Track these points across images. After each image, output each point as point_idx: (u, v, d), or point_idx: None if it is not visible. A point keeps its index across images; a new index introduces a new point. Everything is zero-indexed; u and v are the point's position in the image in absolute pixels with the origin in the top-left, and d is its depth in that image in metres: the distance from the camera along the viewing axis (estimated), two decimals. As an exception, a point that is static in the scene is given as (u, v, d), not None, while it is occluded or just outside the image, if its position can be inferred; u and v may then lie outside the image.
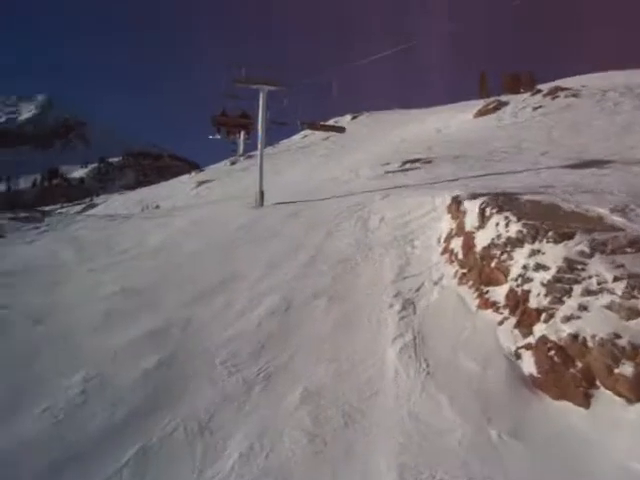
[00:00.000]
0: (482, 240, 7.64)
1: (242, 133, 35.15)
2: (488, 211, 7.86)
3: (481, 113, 29.60)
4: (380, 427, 5.40)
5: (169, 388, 6.53)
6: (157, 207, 33.01)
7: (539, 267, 6.26)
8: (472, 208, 8.52)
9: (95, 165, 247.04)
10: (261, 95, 17.18)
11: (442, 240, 9.33)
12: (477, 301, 7.15)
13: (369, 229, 11.31)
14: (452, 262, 8.41)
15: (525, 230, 6.87)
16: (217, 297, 9.00)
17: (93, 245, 13.22)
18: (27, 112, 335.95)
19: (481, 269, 7.34)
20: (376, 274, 9.05)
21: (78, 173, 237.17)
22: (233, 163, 48.64)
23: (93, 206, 68.01)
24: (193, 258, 11.31)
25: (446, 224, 9.66)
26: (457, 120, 31.33)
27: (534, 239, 6.66)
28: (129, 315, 8.53)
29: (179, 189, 43.96)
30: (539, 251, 6.45)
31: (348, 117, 57.19)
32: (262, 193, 16.64)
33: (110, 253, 12.27)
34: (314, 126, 19.73)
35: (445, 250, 8.90)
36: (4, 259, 11.84)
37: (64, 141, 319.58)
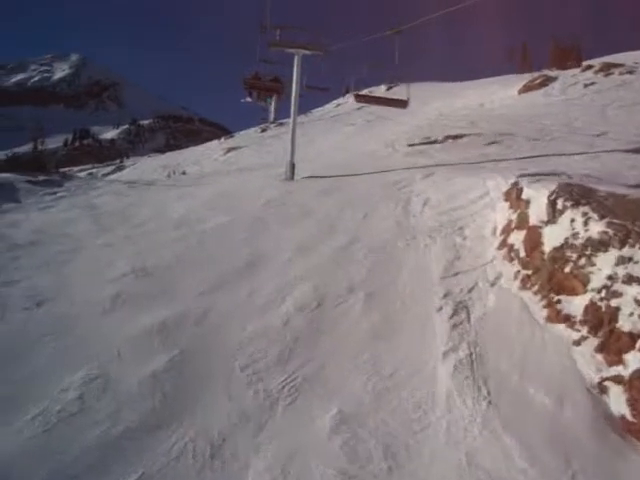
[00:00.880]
0: (552, 238, 6.47)
1: (273, 99, 34.09)
2: (560, 203, 6.66)
3: (527, 88, 27.85)
4: (432, 474, 4.37)
5: (179, 397, 5.59)
6: (184, 173, 32.06)
7: (632, 279, 5.11)
8: (538, 198, 7.31)
9: (126, 126, 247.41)
10: (296, 59, 15.92)
11: (498, 232, 8.16)
12: (545, 311, 6.03)
13: (411, 212, 10.16)
14: (512, 260, 7.25)
15: (611, 231, 5.69)
16: (240, 284, 8.00)
17: (110, 215, 12.29)
18: (61, 71, 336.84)
19: (551, 273, 6.19)
20: (421, 267, 7.95)
21: (109, 134, 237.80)
22: (263, 130, 47.32)
23: (122, 168, 67.41)
24: (216, 235, 10.30)
25: (502, 213, 8.46)
26: (500, 95, 29.58)
27: (623, 243, 5.48)
28: (140, 302, 7.58)
29: (207, 155, 42.93)
30: (631, 259, 5.29)
31: (383, 87, 55.24)
32: (293, 165, 15.50)
33: (127, 225, 11.32)
34: (369, 98, 17.55)
35: (502, 244, 7.74)
36: (14, 228, 10.96)
37: (97, 101, 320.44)
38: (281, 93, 23.82)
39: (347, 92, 62.68)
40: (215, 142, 53.07)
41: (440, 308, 6.70)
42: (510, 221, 7.91)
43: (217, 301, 7.50)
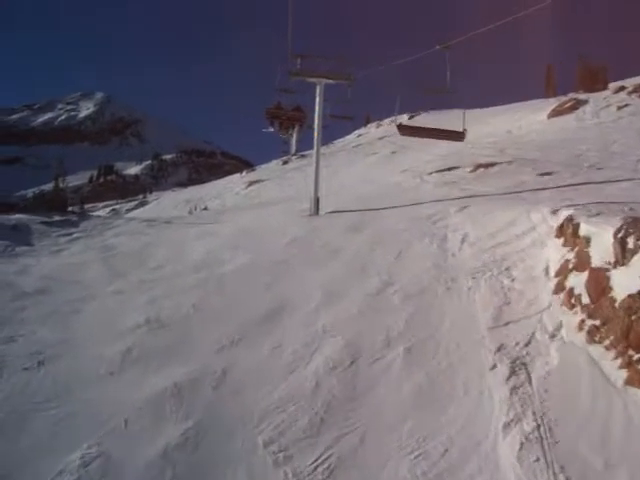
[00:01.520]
0: (625, 283, 5.53)
1: (295, 131, 33.81)
2: (631, 242, 5.74)
3: (556, 112, 26.93)
4: None
5: (193, 480, 4.75)
6: (205, 208, 31.61)
7: None
8: (600, 234, 6.40)
9: (149, 162, 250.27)
10: (318, 89, 15.28)
11: (552, 273, 7.23)
12: (624, 373, 5.09)
13: (449, 250, 9.29)
14: (573, 307, 6.32)
15: (702, 277, 4.77)
16: (263, 337, 7.17)
17: (125, 258, 11.61)
18: (86, 109, 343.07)
19: (627, 326, 5.25)
20: (466, 314, 7.05)
21: (133, 169, 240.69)
22: (285, 162, 46.92)
23: (145, 203, 67.63)
24: (237, 279, 9.53)
25: (556, 252, 7.54)
26: (528, 120, 28.67)
27: None
28: (152, 359, 6.79)
29: (229, 189, 42.55)
30: None
31: (405, 116, 54.76)
32: (318, 200, 14.73)
33: (142, 269, 10.61)
34: (417, 131, 14.59)
35: (559, 288, 6.81)
36: (22, 275, 10.29)
37: (120, 138, 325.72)
38: (303, 122, 23.54)
39: (368, 122, 62.46)
40: (237, 176, 52.82)
41: (494, 366, 5.79)
42: (566, 261, 6.98)
43: (237, 358, 6.69)
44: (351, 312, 7.55)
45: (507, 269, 7.89)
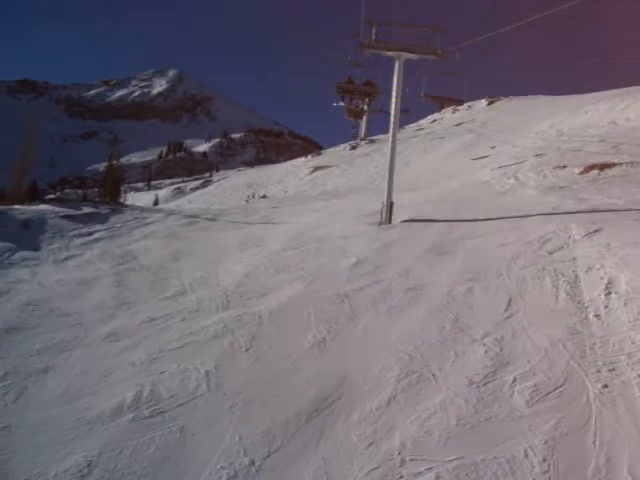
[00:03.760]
0: None
1: (364, 120, 31.23)
2: None
3: (675, 102, 22.94)
4: None
5: None
6: (264, 196, 29.17)
7: None
8: None
9: (218, 140, 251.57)
10: (397, 65, 12.29)
11: None
12: None
13: (588, 306, 6.26)
14: None
15: None
16: (303, 456, 4.46)
17: (143, 274, 9.09)
18: (159, 86, 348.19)
19: None
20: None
21: (202, 147, 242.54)
22: (353, 147, 43.89)
23: (208, 183, 66.02)
24: (277, 327, 6.80)
25: None
26: (637, 110, 24.67)
27: None
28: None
29: (293, 173, 39.92)
30: None
31: (484, 102, 50.85)
32: (391, 205, 11.78)
33: (158, 297, 8.04)
34: None
35: None
36: (2, 298, 7.86)
37: (191, 115, 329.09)
38: (374, 97, 22.77)
39: (443, 106, 58.39)
40: (301, 159, 50.14)
41: None
42: None
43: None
44: (447, 421, 4.67)
45: None
